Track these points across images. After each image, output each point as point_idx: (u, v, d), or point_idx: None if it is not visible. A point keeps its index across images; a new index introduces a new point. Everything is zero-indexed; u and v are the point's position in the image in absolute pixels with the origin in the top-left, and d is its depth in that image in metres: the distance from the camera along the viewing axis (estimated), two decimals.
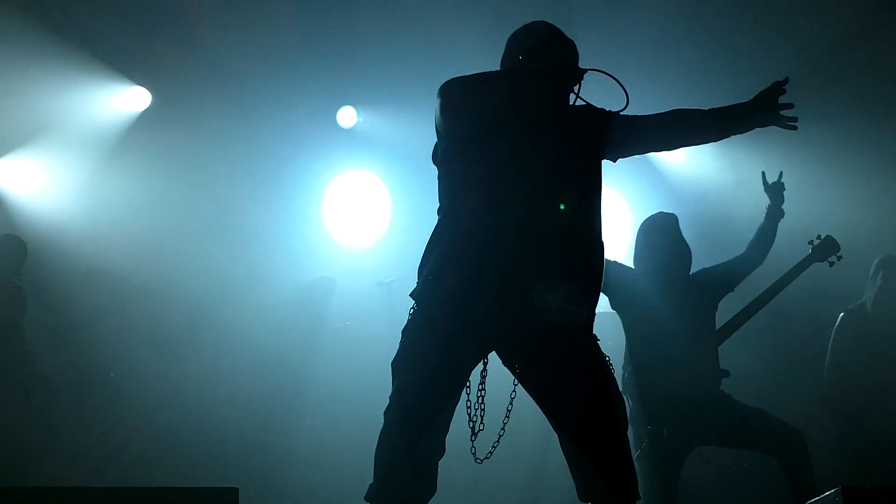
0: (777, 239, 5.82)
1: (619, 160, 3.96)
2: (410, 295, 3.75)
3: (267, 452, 6.99)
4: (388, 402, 3.63)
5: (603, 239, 3.76)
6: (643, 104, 3.88)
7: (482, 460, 3.69)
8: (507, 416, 3.72)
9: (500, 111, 3.72)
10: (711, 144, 4.59)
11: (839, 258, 5.99)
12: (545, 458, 6.59)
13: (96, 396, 6.86)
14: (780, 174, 5.81)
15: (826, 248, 5.97)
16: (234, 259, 7.80)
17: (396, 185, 8.64)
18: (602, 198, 3.79)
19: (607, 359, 3.70)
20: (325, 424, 7.27)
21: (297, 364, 7.41)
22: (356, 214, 8.61)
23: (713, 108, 3.86)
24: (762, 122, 3.84)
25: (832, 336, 6.74)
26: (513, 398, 3.72)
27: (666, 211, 5.89)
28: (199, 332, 7.34)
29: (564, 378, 3.59)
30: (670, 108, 3.89)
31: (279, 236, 8.20)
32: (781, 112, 3.82)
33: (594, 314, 3.71)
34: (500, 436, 3.70)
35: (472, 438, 3.67)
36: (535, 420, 3.85)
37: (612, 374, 3.68)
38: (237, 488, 2.95)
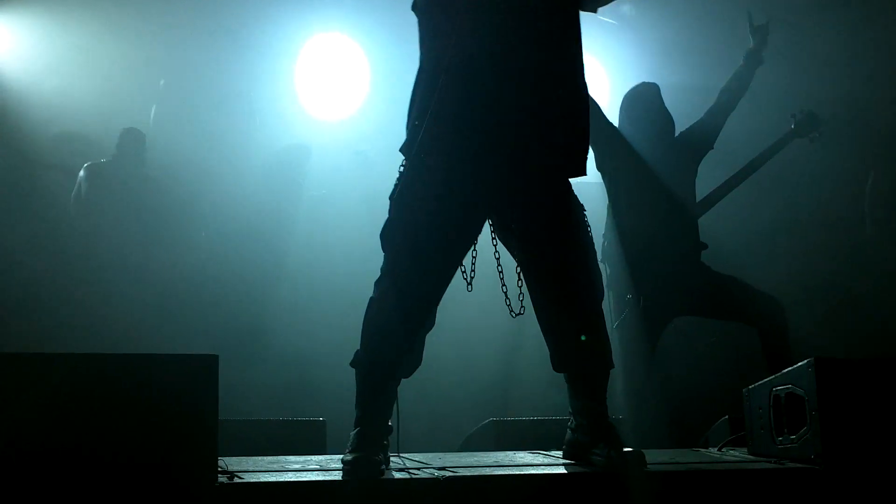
0: (760, 112, 5.78)
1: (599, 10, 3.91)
2: (400, 150, 3.66)
3: (246, 321, 6.97)
4: (378, 273, 3.60)
5: (587, 89, 3.71)
6: None
7: (517, 314, 3.67)
8: (499, 268, 3.70)
9: None
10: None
11: (821, 135, 5.93)
12: (521, 328, 6.62)
13: (75, 266, 6.79)
14: (768, 19, 5.73)
15: (808, 124, 5.91)
16: (201, 126, 7.60)
17: (375, 49, 8.27)
18: (581, 48, 3.71)
19: (588, 229, 3.71)
20: (304, 291, 7.26)
21: (273, 230, 7.33)
22: (331, 82, 8.23)
23: None
24: None
25: None
26: (497, 258, 3.70)
27: (647, 81, 5.81)
28: (170, 199, 7.23)
29: (550, 237, 3.59)
30: None
31: (248, 105, 7.96)
32: None
33: (585, 163, 3.67)
34: (521, 296, 3.66)
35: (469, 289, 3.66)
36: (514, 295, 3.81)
37: (592, 244, 3.70)
38: (216, 356, 2.91)
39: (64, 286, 6.67)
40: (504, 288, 3.69)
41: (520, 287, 3.69)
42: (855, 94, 7.28)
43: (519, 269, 3.70)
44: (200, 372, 2.89)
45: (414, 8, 3.80)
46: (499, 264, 3.69)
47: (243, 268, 7.14)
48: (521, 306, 3.68)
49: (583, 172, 3.68)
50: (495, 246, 3.72)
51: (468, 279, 3.66)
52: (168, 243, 7.04)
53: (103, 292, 6.65)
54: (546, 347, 3.71)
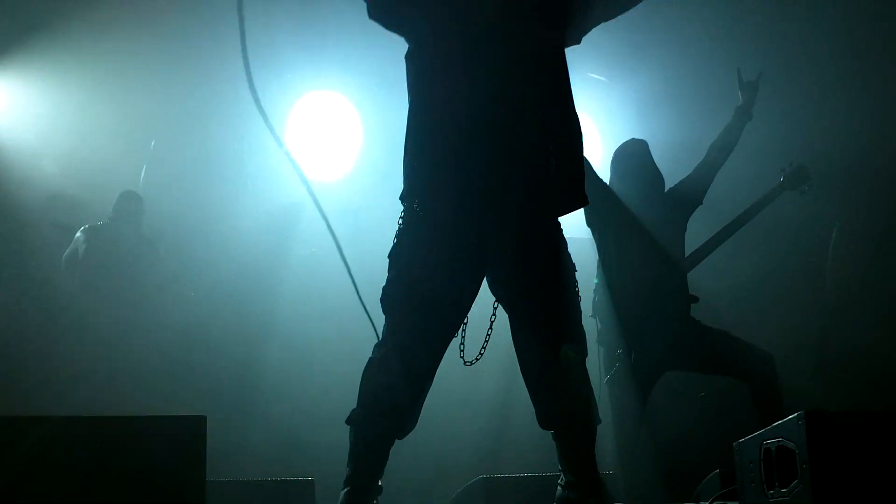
0: (749, 165, 5.82)
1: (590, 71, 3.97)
2: (400, 198, 3.68)
3: (235, 381, 6.95)
4: (379, 336, 3.62)
5: (578, 130, 3.74)
6: None
7: (471, 363, 3.73)
8: (489, 330, 3.73)
9: (443, 16, 3.66)
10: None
11: (810, 187, 5.96)
12: (511, 382, 6.60)
13: (61, 324, 6.77)
14: (759, 74, 5.78)
15: (797, 177, 5.94)
16: (192, 186, 7.62)
17: (369, 107, 8.24)
18: (570, 89, 3.74)
19: (577, 292, 3.72)
20: (294, 351, 7.24)
21: (264, 290, 7.33)
22: (323, 140, 8.22)
23: None
24: None
25: None
26: (492, 321, 3.73)
27: (636, 138, 5.85)
28: (163, 260, 7.25)
29: (541, 290, 3.61)
30: None
31: (239, 164, 7.97)
32: None
33: (581, 204, 3.73)
34: (487, 340, 3.73)
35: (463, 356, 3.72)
36: (502, 353, 3.82)
37: (579, 302, 3.70)
38: (205, 416, 2.90)
39: (52, 346, 6.64)
40: (463, 334, 3.70)
41: (488, 335, 3.73)
42: (845, 147, 7.35)
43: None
44: (188, 433, 2.87)
45: (407, 57, 3.84)
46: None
47: (234, 327, 7.13)
48: (480, 353, 3.73)
49: (580, 204, 3.73)
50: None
51: (462, 353, 3.72)
52: (159, 304, 7.03)
53: (92, 353, 6.62)
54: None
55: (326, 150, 8.28)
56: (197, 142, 7.77)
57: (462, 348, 3.71)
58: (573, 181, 3.68)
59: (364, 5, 3.78)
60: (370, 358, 3.60)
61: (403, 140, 3.67)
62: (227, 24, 3.89)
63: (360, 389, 3.59)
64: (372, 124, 8.24)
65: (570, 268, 3.72)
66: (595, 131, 8.32)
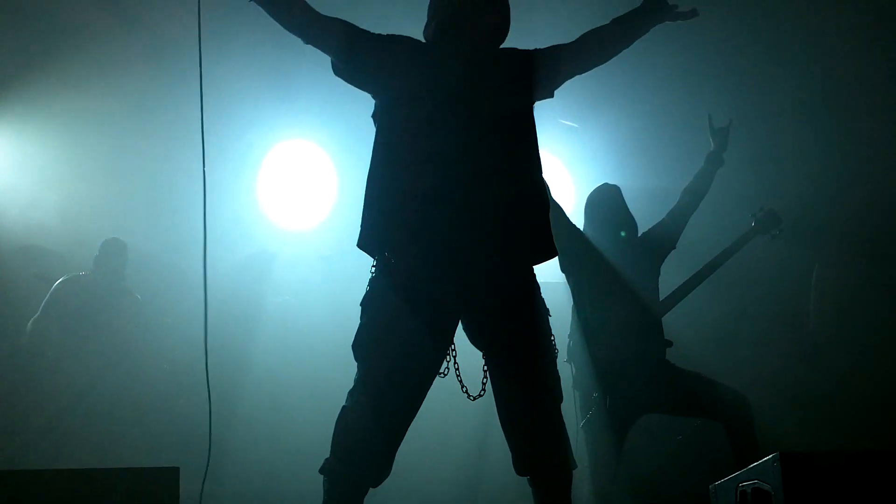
0: (722, 209, 5.86)
1: (557, 92, 4.06)
2: (357, 245, 3.73)
3: (207, 432, 6.88)
4: (352, 384, 3.60)
5: (543, 186, 3.83)
6: None
7: (475, 397, 3.74)
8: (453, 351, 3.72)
9: (408, 77, 3.74)
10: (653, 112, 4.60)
11: (781, 231, 6.00)
12: (488, 432, 6.57)
13: (27, 374, 6.70)
14: (730, 121, 5.84)
15: (768, 221, 5.98)
16: (163, 237, 7.58)
17: (343, 156, 8.21)
18: (536, 146, 3.82)
19: (552, 338, 3.75)
20: (267, 401, 7.18)
21: (238, 339, 7.28)
22: (297, 189, 8.20)
23: (614, 19, 4.09)
24: (659, 18, 4.15)
25: None
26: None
27: (609, 183, 5.88)
28: (133, 309, 7.19)
29: (515, 336, 3.64)
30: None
31: (209, 215, 7.90)
32: (671, 4, 4.14)
33: (549, 249, 3.76)
34: (485, 376, 3.72)
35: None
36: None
37: (554, 348, 3.73)
38: (177, 468, 2.88)
39: (24, 397, 6.57)
40: (457, 371, 3.71)
41: (485, 371, 3.73)
42: (816, 192, 7.42)
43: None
44: (161, 485, 2.85)
45: (374, 116, 3.88)
46: (453, 349, 3.70)
47: (211, 376, 7.06)
48: (482, 390, 3.73)
49: (546, 257, 3.76)
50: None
51: (466, 390, 3.73)
52: (134, 354, 6.97)
53: (64, 403, 6.55)
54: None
55: (301, 199, 8.24)
56: (166, 190, 7.70)
57: (463, 385, 3.72)
58: (539, 234, 3.71)
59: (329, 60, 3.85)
60: (343, 406, 3.58)
61: (365, 189, 3.72)
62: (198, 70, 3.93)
63: (332, 438, 3.57)
64: (346, 171, 8.22)
65: (544, 313, 3.75)
66: (568, 177, 8.36)
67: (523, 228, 3.68)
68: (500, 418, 3.70)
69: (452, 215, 3.56)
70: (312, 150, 8.30)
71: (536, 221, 3.73)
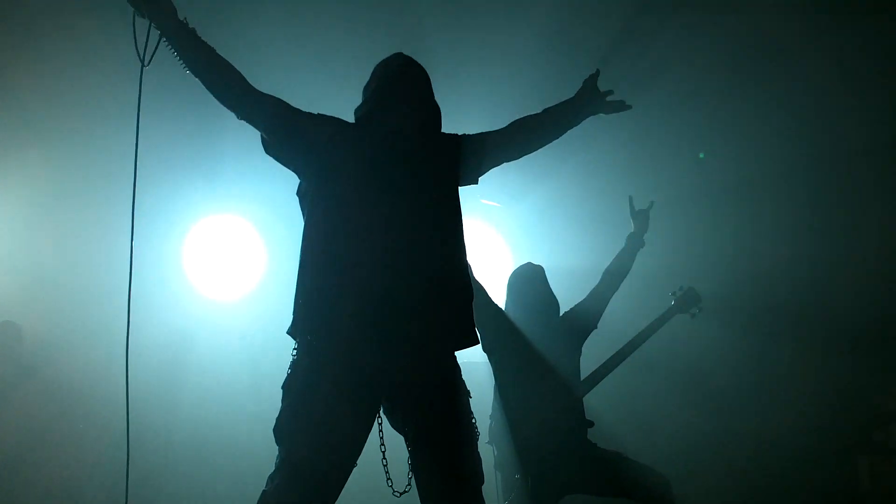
0: (642, 288, 5.93)
1: (483, 198, 4.07)
2: (287, 332, 3.70)
3: None
4: (273, 468, 3.54)
5: (465, 269, 3.83)
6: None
7: (401, 493, 3.73)
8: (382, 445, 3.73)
9: (337, 159, 3.76)
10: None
11: (700, 310, 6.07)
12: None
13: None
14: (651, 203, 5.92)
15: (688, 300, 6.06)
16: (83, 313, 7.41)
17: (271, 231, 8.11)
18: (461, 228, 3.86)
19: (473, 420, 3.74)
20: (185, 484, 7.03)
21: (158, 422, 7.14)
22: (223, 264, 8.06)
23: (546, 109, 4.15)
24: (592, 110, 4.24)
25: None
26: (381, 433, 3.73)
27: (532, 262, 5.92)
28: (48, 392, 6.98)
29: (433, 422, 3.65)
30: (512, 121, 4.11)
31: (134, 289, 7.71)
32: (607, 99, 4.25)
33: (472, 335, 3.77)
34: (410, 477, 3.72)
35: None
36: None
37: (475, 430, 3.73)
38: None
39: None
40: (384, 461, 3.70)
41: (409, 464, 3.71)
42: (735, 270, 7.57)
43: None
44: None
45: (299, 194, 3.89)
46: (381, 437, 3.70)
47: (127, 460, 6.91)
48: (408, 485, 3.71)
49: (469, 344, 3.76)
50: (380, 426, 3.72)
51: (391, 484, 3.71)
52: (49, 439, 6.78)
53: None
54: None
55: (226, 272, 8.16)
56: (85, 269, 7.55)
57: (389, 479, 3.71)
58: (463, 320, 3.75)
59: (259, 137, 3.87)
60: (263, 490, 3.52)
61: (297, 273, 3.71)
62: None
63: None
64: (275, 245, 8.15)
65: (465, 395, 3.75)
66: (489, 255, 8.41)
67: (448, 315, 3.70)
68: (420, 499, 3.68)
69: (376, 297, 3.56)
70: (241, 224, 8.22)
71: (461, 308, 3.75)
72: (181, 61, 3.78)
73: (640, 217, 5.94)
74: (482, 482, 3.72)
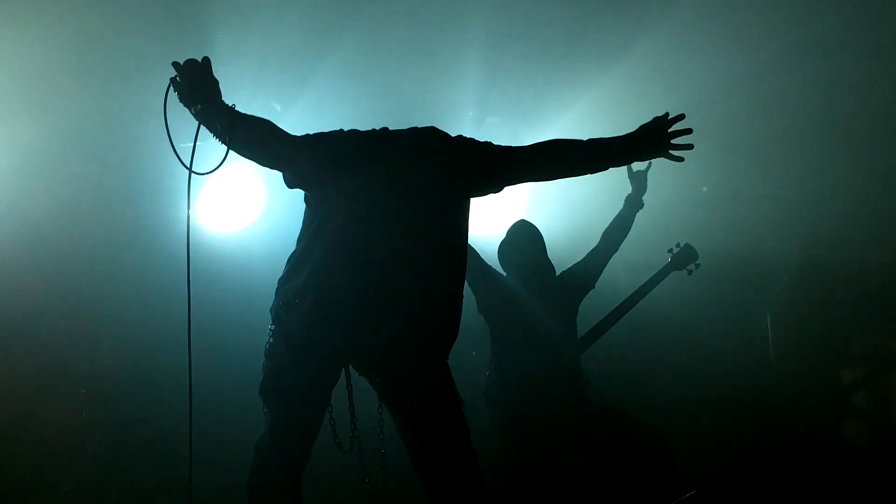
0: (640, 245, 5.94)
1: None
2: (270, 311, 3.88)
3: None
4: (262, 429, 3.84)
5: (460, 289, 3.88)
6: None
7: (348, 451, 3.95)
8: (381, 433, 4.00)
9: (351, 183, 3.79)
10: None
11: (697, 266, 6.07)
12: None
13: None
14: (649, 164, 5.85)
15: (685, 257, 6.05)
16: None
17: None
18: (465, 235, 3.89)
19: (462, 404, 3.92)
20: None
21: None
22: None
23: (592, 140, 3.82)
24: (654, 152, 3.80)
25: None
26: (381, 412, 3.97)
27: (526, 220, 5.92)
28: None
29: (413, 406, 3.83)
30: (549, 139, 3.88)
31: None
32: (672, 141, 3.77)
33: (450, 346, 3.86)
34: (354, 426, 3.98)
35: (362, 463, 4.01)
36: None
37: (461, 411, 3.88)
38: None
39: None
40: (332, 424, 3.94)
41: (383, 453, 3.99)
42: (736, 224, 7.55)
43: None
44: None
45: (306, 199, 3.98)
46: (354, 425, 3.97)
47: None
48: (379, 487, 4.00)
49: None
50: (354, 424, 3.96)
51: (339, 442, 3.96)
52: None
53: None
54: None
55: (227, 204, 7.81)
56: None
57: (336, 438, 3.94)
58: (453, 329, 3.84)
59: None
60: (257, 456, 3.85)
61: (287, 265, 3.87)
62: None
63: (249, 487, 3.85)
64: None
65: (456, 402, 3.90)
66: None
67: (438, 320, 3.79)
68: (412, 463, 3.88)
69: (356, 301, 3.69)
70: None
71: (452, 322, 3.83)
72: (228, 144, 3.67)
73: (638, 179, 5.91)
74: (471, 453, 3.88)
